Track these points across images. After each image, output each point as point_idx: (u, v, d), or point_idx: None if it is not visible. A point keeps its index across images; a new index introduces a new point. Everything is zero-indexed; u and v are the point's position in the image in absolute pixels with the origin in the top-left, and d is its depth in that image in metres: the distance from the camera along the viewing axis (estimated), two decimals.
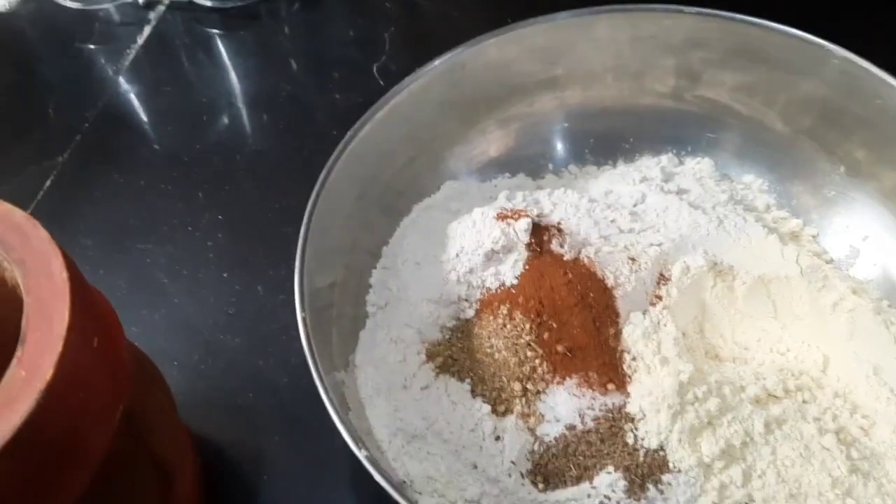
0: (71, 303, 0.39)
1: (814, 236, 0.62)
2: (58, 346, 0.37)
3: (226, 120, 0.83)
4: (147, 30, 0.91)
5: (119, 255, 0.72)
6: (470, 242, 0.58)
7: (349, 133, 0.60)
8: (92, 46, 0.90)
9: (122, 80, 0.87)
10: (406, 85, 0.63)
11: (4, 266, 0.41)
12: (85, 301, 0.41)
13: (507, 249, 0.57)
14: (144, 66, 0.88)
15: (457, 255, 0.58)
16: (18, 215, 0.42)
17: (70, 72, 0.88)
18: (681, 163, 0.68)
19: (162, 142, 0.82)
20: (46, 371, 0.37)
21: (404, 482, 0.50)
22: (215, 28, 0.91)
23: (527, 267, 0.56)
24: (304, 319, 0.50)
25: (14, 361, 0.37)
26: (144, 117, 0.84)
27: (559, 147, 0.70)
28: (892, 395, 0.51)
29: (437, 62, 0.64)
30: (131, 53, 0.89)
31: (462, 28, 0.87)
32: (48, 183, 0.77)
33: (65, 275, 0.40)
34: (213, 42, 0.91)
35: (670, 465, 0.50)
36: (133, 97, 0.86)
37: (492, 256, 0.57)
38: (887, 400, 0.51)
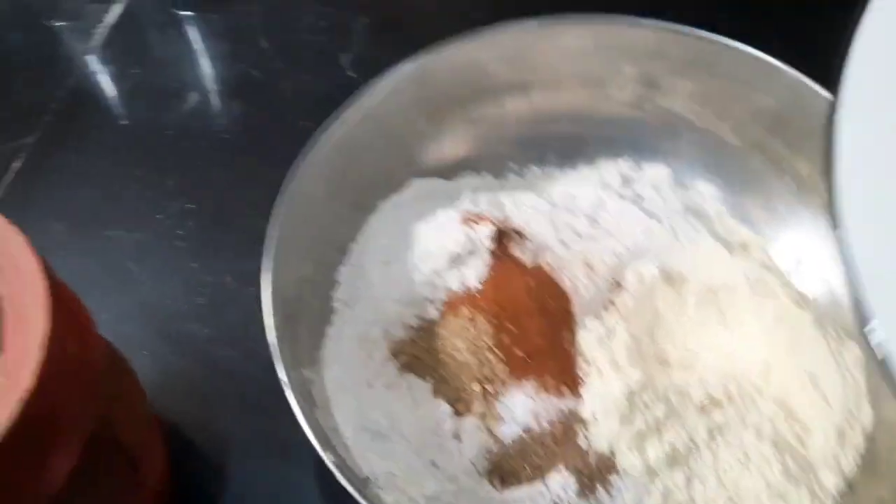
0: (49, 309, 0.40)
1: (763, 247, 0.65)
2: (37, 355, 0.39)
3: (195, 103, 0.84)
4: (117, 8, 0.91)
5: (88, 241, 0.73)
6: (434, 245, 0.60)
7: (318, 130, 0.62)
8: (59, 24, 0.90)
9: (90, 59, 0.87)
10: (376, 83, 0.65)
11: None
12: (60, 305, 0.42)
13: (471, 253, 0.59)
14: (113, 47, 0.88)
15: (421, 257, 0.60)
16: None
17: (36, 50, 0.87)
18: (639, 168, 0.70)
19: (130, 125, 0.82)
20: (26, 379, 0.38)
21: (368, 478, 0.52)
22: (187, 9, 0.91)
23: (489, 271, 0.58)
24: (272, 317, 0.52)
25: None
26: (113, 99, 0.84)
27: (523, 149, 0.71)
28: (827, 405, 0.54)
29: (407, 63, 0.65)
30: (100, 32, 0.89)
31: (435, 20, 0.89)
32: (15, 164, 0.77)
33: (41, 279, 0.41)
34: (183, 24, 0.90)
35: (619, 468, 0.53)
36: (101, 78, 0.86)
37: (455, 259, 0.59)
38: (822, 409, 0.54)
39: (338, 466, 0.46)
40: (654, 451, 0.52)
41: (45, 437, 0.41)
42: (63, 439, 0.42)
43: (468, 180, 0.70)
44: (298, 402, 0.49)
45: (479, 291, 0.58)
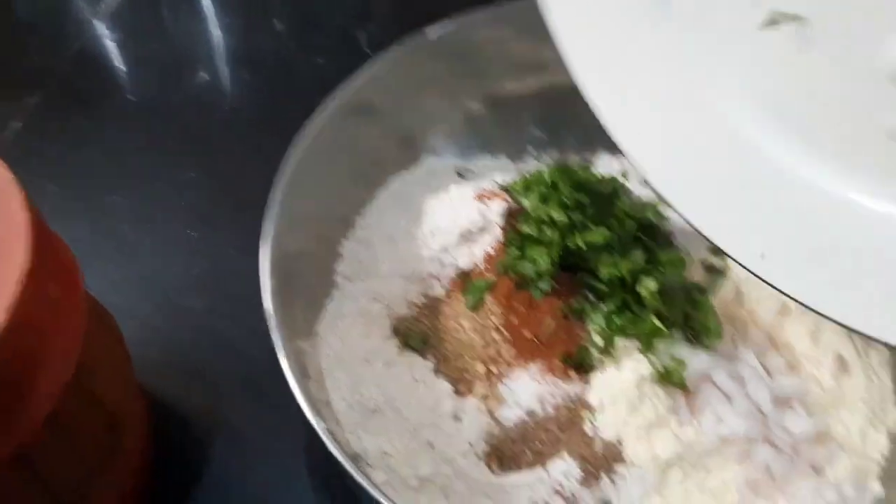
0: (30, 247, 0.38)
1: None
2: (13, 291, 0.36)
3: (205, 76, 0.82)
4: None
5: (83, 205, 0.70)
6: (446, 220, 0.57)
7: (327, 99, 0.59)
8: None
9: (99, 26, 0.85)
10: (390, 55, 0.62)
11: None
12: (45, 246, 0.40)
13: (483, 230, 0.57)
14: (123, 15, 0.86)
15: (431, 233, 0.58)
16: None
17: (46, 12, 0.86)
18: None
19: (137, 92, 0.80)
20: (0, 313, 0.36)
21: (358, 455, 0.49)
22: None
23: (500, 249, 0.56)
24: (268, 285, 0.49)
25: None
26: (121, 65, 0.82)
27: (541, 131, 0.69)
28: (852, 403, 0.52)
29: (423, 35, 0.63)
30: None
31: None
32: (15, 124, 0.75)
33: (26, 217, 0.39)
34: None
35: (625, 457, 0.50)
36: (109, 45, 0.84)
37: (467, 236, 0.57)
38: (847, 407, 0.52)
39: (329, 433, 0.43)
40: (664, 442, 0.49)
41: (22, 376, 0.38)
42: (40, 382, 0.39)
43: (483, 161, 0.68)
44: (291, 369, 0.46)
45: (488, 270, 0.55)
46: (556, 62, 0.68)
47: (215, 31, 0.86)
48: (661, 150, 0.47)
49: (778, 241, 0.42)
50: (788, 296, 0.43)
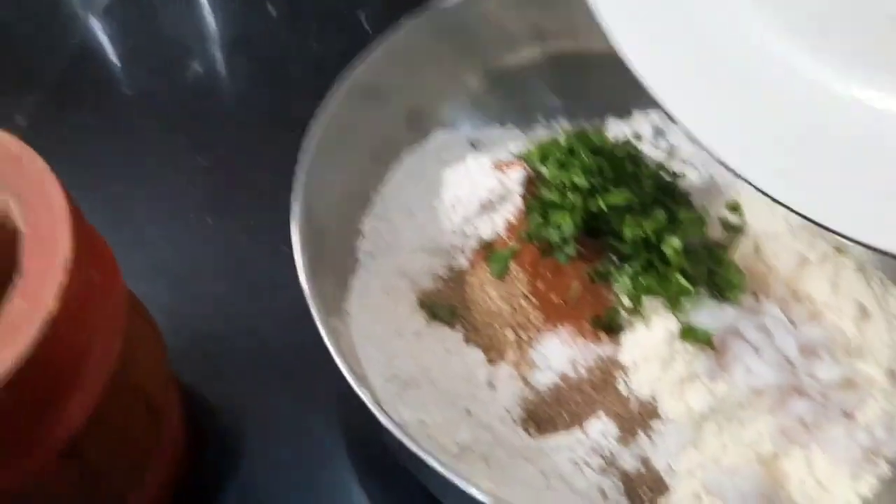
0: (72, 234, 0.38)
1: None
2: (60, 277, 0.36)
3: (206, 64, 0.81)
4: None
5: (96, 197, 0.69)
6: (465, 191, 0.58)
7: (336, 82, 0.59)
8: None
9: (96, 19, 0.84)
10: (392, 34, 0.62)
11: None
12: (84, 235, 0.40)
13: (503, 199, 0.57)
14: (120, 8, 0.86)
15: (451, 205, 0.58)
16: (15, 145, 0.41)
17: (41, 11, 0.85)
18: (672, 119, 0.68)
19: (137, 84, 0.79)
20: (49, 301, 0.36)
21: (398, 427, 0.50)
22: None
23: (522, 216, 0.56)
24: (303, 264, 0.49)
25: (14, 292, 0.36)
26: (120, 58, 0.82)
27: (550, 100, 0.69)
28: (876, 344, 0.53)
29: (423, 12, 0.63)
30: None
31: None
32: (19, 119, 0.75)
33: (65, 206, 0.39)
34: None
35: (661, 413, 0.51)
36: (108, 37, 0.83)
37: (487, 206, 0.57)
38: (872, 347, 0.53)
39: (376, 404, 0.43)
40: (697, 396, 0.50)
41: (72, 366, 0.38)
42: (88, 371, 0.39)
43: (493, 132, 0.68)
44: (334, 346, 0.46)
45: (511, 238, 0.56)
46: (556, 32, 0.68)
47: (210, 20, 0.86)
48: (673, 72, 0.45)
49: (794, 158, 0.41)
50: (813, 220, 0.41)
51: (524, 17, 0.67)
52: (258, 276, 0.66)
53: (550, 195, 0.55)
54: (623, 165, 0.57)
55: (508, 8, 0.66)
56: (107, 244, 0.45)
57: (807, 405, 0.51)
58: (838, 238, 0.58)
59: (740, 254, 0.58)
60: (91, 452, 0.43)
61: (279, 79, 0.80)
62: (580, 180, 0.54)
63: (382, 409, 0.44)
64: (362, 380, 0.51)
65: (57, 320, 0.36)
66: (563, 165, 0.56)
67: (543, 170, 0.58)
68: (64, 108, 0.77)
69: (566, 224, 0.54)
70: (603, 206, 0.54)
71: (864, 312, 0.55)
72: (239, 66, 0.81)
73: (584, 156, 0.55)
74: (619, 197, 0.54)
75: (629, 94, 0.67)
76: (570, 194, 0.54)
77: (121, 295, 0.43)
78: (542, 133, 0.68)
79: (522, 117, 0.69)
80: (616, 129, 0.67)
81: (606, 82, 0.68)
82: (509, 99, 0.69)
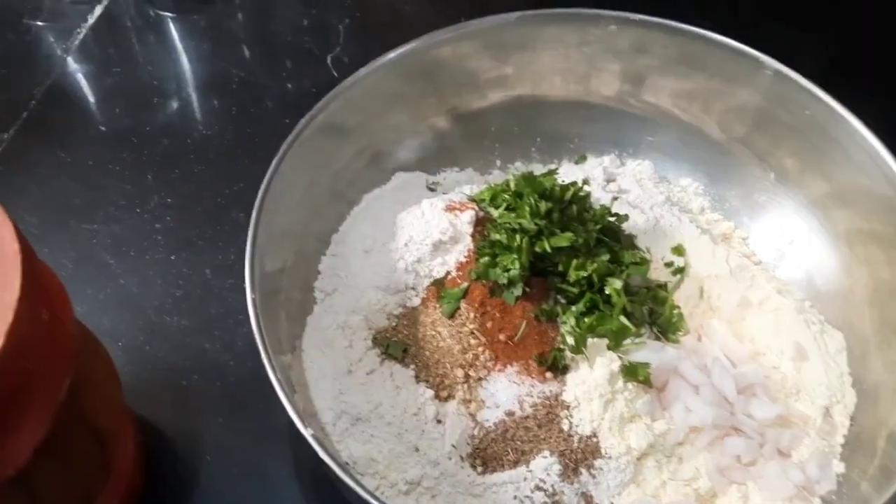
0: (22, 273, 0.39)
1: (744, 238, 0.66)
2: (8, 316, 0.38)
3: (176, 103, 0.83)
4: (98, 9, 0.90)
5: (64, 235, 0.71)
6: (418, 232, 0.60)
7: (302, 121, 0.61)
8: (41, 24, 0.89)
9: (70, 58, 0.86)
10: (360, 76, 0.64)
11: None
12: (35, 273, 0.41)
13: (455, 240, 0.59)
14: (94, 46, 0.88)
15: (405, 245, 0.60)
16: None
17: (17, 48, 0.87)
18: (622, 164, 0.70)
19: (110, 122, 0.81)
20: None
21: (347, 463, 0.51)
22: (168, 10, 0.91)
23: (471, 257, 0.58)
24: (253, 301, 0.51)
25: None
26: (92, 97, 0.84)
27: (507, 144, 0.72)
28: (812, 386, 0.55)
29: (390, 55, 0.65)
30: (81, 32, 0.88)
31: (416, 22, 0.89)
32: None
33: (16, 246, 0.40)
34: (166, 24, 0.90)
35: (602, 451, 0.52)
36: (81, 76, 0.85)
37: (439, 246, 0.59)
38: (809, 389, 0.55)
39: (319, 442, 0.45)
40: (637, 435, 0.52)
41: (19, 398, 0.39)
42: (33, 407, 0.40)
43: (451, 175, 0.70)
44: (280, 385, 0.48)
45: (461, 277, 0.57)
46: (516, 77, 0.71)
47: (183, 59, 0.88)
48: None
49: None
50: None
51: (484, 64, 0.69)
52: (219, 310, 0.67)
53: (499, 236, 0.57)
54: (569, 208, 0.59)
55: (470, 54, 0.69)
56: (59, 282, 0.46)
57: (743, 443, 0.53)
58: (780, 280, 0.61)
59: (684, 295, 0.60)
60: (39, 482, 0.44)
61: (249, 117, 0.82)
62: (527, 223, 0.56)
63: (325, 448, 0.45)
64: (312, 416, 0.53)
65: (3, 357, 0.37)
66: (511, 208, 0.58)
67: (494, 212, 0.60)
68: (36, 145, 0.78)
69: (513, 266, 0.56)
70: (548, 248, 0.56)
71: (802, 353, 0.57)
72: (210, 105, 0.83)
73: (531, 199, 0.57)
74: (563, 239, 0.56)
75: (584, 140, 0.71)
76: (517, 236, 0.56)
77: (70, 332, 0.44)
78: (498, 175, 0.71)
79: (480, 160, 0.71)
80: (569, 173, 0.69)
81: (562, 128, 0.71)
82: (469, 142, 0.71)
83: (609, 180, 0.68)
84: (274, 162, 0.59)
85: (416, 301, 0.59)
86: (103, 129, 0.81)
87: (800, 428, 0.54)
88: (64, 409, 0.43)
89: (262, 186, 0.58)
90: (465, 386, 0.55)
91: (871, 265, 0.59)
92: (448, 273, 0.59)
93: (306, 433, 0.45)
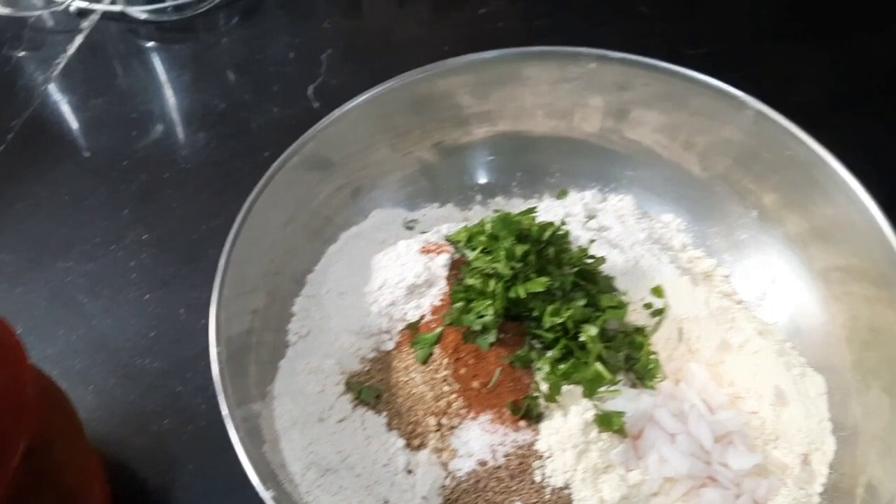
0: None
1: (726, 276, 0.65)
2: None
3: (157, 135, 0.82)
4: (79, 39, 0.90)
5: (39, 273, 0.71)
6: (393, 275, 0.59)
7: (280, 159, 0.61)
8: (21, 54, 0.89)
9: (51, 89, 0.86)
10: (339, 112, 0.64)
11: None
12: None
13: (429, 283, 0.58)
14: (75, 77, 0.87)
15: (380, 288, 0.59)
16: None
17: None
18: (604, 199, 0.69)
19: (89, 155, 0.80)
20: None
21: None
22: (150, 40, 0.91)
23: (446, 301, 0.57)
24: (218, 354, 0.50)
25: None
26: (72, 129, 0.83)
27: (487, 179, 0.71)
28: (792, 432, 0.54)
29: (371, 92, 0.65)
30: (62, 62, 0.88)
31: (399, 54, 0.89)
32: None
33: None
34: (148, 54, 0.90)
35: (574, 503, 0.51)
36: (61, 107, 0.85)
37: (414, 290, 0.58)
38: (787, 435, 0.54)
39: (280, 499, 0.44)
40: (610, 490, 0.51)
41: None
42: None
43: (431, 211, 0.69)
44: (240, 437, 0.47)
45: (435, 322, 0.57)
46: (500, 113, 0.70)
47: (167, 88, 0.87)
48: None
49: None
50: None
51: (467, 99, 0.69)
52: (193, 352, 0.66)
53: (474, 281, 0.56)
54: (547, 249, 0.58)
55: (452, 90, 0.68)
56: (17, 339, 0.45)
57: (719, 495, 0.51)
58: (762, 320, 0.60)
59: (663, 337, 0.59)
60: None
61: (230, 150, 0.81)
62: (502, 268, 0.55)
63: (292, 501, 0.44)
64: (280, 467, 0.52)
65: None
66: (487, 251, 0.57)
67: (470, 253, 0.59)
68: (14, 179, 0.78)
69: (488, 312, 0.55)
70: (523, 294, 0.55)
71: (782, 397, 0.56)
72: (193, 136, 0.83)
73: (507, 242, 0.56)
74: (539, 284, 0.55)
75: (566, 175, 0.70)
76: (492, 282, 0.55)
77: (25, 392, 0.44)
78: (478, 211, 0.70)
79: (460, 195, 0.70)
80: (549, 209, 0.68)
81: (544, 163, 0.70)
82: (449, 178, 0.70)
83: (590, 216, 0.67)
84: (247, 201, 0.59)
85: (391, 345, 0.58)
86: (81, 161, 0.80)
87: (777, 477, 0.53)
88: (21, 473, 0.42)
89: (235, 226, 0.57)
90: (438, 434, 0.54)
91: (849, 303, 0.58)
92: (423, 317, 0.58)
93: (266, 496, 0.44)
